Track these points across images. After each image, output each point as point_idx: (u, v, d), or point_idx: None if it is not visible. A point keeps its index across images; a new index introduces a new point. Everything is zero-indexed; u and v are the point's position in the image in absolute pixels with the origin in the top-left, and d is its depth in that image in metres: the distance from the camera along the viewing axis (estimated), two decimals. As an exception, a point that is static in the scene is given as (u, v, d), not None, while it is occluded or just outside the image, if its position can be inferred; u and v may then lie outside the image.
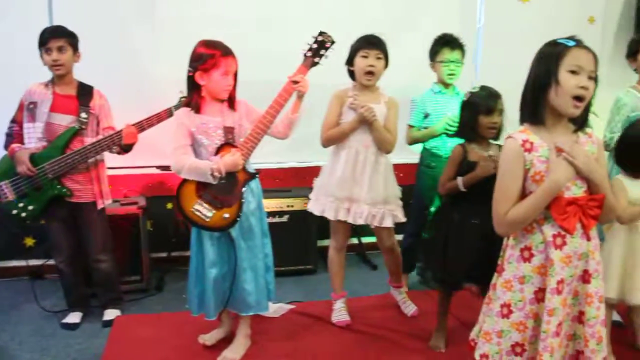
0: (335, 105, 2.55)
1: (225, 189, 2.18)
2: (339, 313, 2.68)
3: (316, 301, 3.01)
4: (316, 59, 2.26)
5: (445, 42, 2.92)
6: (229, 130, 2.21)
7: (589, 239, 1.62)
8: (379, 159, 2.56)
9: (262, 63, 3.11)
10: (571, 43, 1.57)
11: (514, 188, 1.60)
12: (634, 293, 2.22)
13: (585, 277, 1.63)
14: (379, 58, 2.50)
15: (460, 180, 2.24)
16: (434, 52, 2.98)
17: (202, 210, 2.17)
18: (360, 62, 2.50)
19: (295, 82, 2.22)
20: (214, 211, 2.17)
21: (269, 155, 3.66)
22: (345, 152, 2.53)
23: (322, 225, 3.56)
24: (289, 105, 2.31)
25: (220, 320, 2.49)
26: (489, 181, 2.21)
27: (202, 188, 2.18)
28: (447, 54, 2.91)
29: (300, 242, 3.53)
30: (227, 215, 2.17)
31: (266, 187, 3.59)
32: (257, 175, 2.28)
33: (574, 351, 1.68)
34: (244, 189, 2.21)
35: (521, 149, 1.59)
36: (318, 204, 2.60)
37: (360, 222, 2.54)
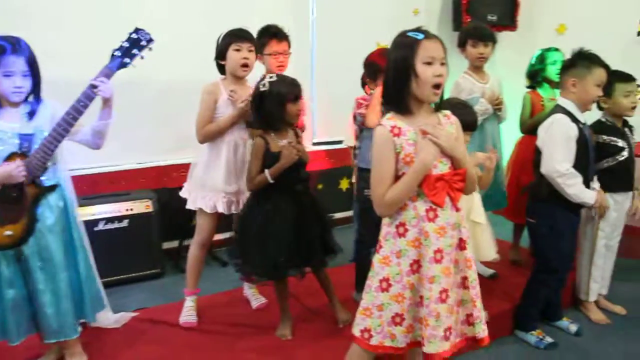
0: (208, 101, 2.49)
1: (9, 204, 1.97)
2: (187, 313, 2.61)
3: (162, 305, 2.90)
4: (126, 59, 2.06)
5: (273, 34, 2.93)
6: (25, 138, 1.98)
7: (457, 210, 1.75)
8: None
9: (68, 61, 2.92)
10: (420, 36, 1.66)
11: (389, 171, 1.69)
12: (480, 254, 2.47)
13: (461, 244, 1.76)
14: (250, 50, 2.49)
15: (267, 172, 2.26)
16: (261, 45, 2.97)
17: None
18: (234, 55, 2.46)
19: (94, 87, 2.00)
20: None
21: (104, 157, 3.47)
22: (225, 147, 2.50)
23: (164, 226, 3.48)
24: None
25: (48, 347, 2.27)
26: (296, 169, 2.33)
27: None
28: (275, 46, 2.93)
29: (144, 246, 3.37)
30: (9, 233, 1.96)
31: (102, 191, 3.45)
32: (55, 188, 2.06)
33: (465, 315, 1.80)
34: (35, 204, 2.00)
35: (390, 135, 1.67)
36: (207, 201, 2.53)
37: None
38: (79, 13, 3.27)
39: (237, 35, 2.49)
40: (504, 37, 5.03)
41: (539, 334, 2.66)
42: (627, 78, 2.72)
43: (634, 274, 3.48)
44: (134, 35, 2.07)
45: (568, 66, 2.56)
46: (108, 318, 2.57)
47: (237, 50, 2.47)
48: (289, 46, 3.00)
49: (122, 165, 3.57)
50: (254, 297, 2.82)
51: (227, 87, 2.49)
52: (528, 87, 3.36)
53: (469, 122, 2.27)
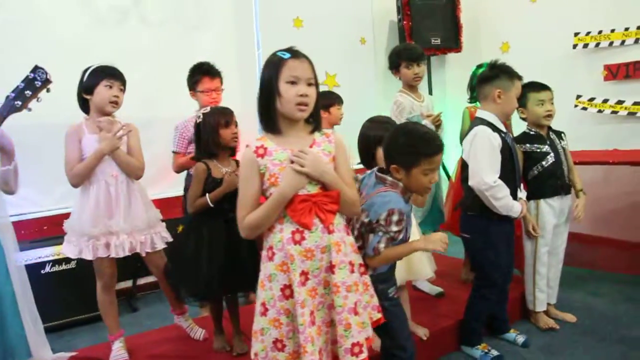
0: (72, 142, 2.42)
1: None
2: (117, 353, 2.55)
3: (98, 344, 2.86)
4: (17, 102, 1.95)
5: (205, 71, 2.98)
6: None
7: (330, 232, 1.70)
8: (131, 185, 2.49)
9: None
10: (287, 55, 1.67)
11: (251, 193, 1.69)
12: (414, 272, 2.49)
13: (331, 268, 1.70)
14: (121, 89, 2.48)
15: (208, 196, 2.33)
16: (194, 82, 3.02)
17: None
18: (104, 92, 2.42)
19: None
20: None
21: (52, 201, 3.49)
22: (94, 187, 2.42)
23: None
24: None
25: None
26: (234, 197, 2.33)
27: None
28: (207, 83, 2.98)
29: (93, 287, 3.30)
30: None
31: (52, 234, 3.45)
32: None
33: (335, 336, 1.75)
34: None
35: (254, 155, 1.68)
36: (72, 247, 2.44)
37: (124, 254, 2.44)
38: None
39: (110, 73, 2.45)
40: (451, 58, 5.19)
41: (484, 348, 2.63)
42: (538, 87, 2.77)
43: (584, 283, 3.49)
44: (30, 75, 1.98)
45: (491, 78, 2.57)
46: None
47: (109, 86, 2.43)
48: (222, 82, 3.05)
49: (70, 208, 3.54)
50: (192, 329, 2.77)
51: (91, 127, 2.43)
52: (469, 101, 3.44)
53: None
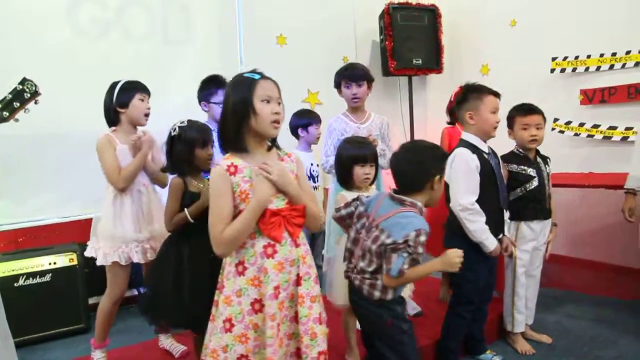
0: (110, 150, 2.48)
1: None
2: (99, 364, 2.53)
3: (77, 358, 2.81)
4: (4, 113, 1.98)
5: (221, 83, 2.97)
6: None
7: (297, 246, 1.78)
8: (157, 194, 2.61)
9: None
10: (257, 76, 1.75)
11: (226, 209, 1.71)
12: None
13: (298, 280, 1.77)
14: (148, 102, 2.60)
15: (187, 211, 2.22)
16: (208, 94, 3.02)
17: None
18: (139, 104, 2.55)
19: None
20: None
21: (28, 212, 3.44)
22: (127, 195, 2.50)
23: (91, 281, 3.39)
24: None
25: None
26: None
27: None
28: (222, 95, 2.95)
29: (68, 301, 3.28)
30: None
31: (26, 246, 3.39)
32: None
33: (295, 348, 1.80)
34: None
35: (227, 173, 1.72)
36: (118, 254, 2.46)
37: None
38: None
39: (142, 88, 2.58)
40: (432, 79, 5.27)
41: (461, 368, 2.64)
42: (525, 111, 2.80)
43: (560, 304, 3.53)
44: (19, 87, 2.00)
45: (461, 102, 2.63)
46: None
47: (141, 100, 2.56)
48: None
49: (46, 219, 3.51)
50: (173, 346, 2.75)
51: (121, 138, 2.52)
52: (448, 123, 3.48)
53: (364, 155, 2.38)
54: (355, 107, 2.97)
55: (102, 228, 2.51)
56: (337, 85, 2.98)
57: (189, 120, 2.32)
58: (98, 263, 2.51)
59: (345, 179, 2.42)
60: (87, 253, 2.56)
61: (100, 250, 2.49)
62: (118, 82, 2.56)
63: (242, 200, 1.72)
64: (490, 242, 2.49)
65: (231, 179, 1.72)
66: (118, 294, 2.56)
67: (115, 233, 2.48)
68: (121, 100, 2.53)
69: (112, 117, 2.56)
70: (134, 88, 2.55)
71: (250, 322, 1.71)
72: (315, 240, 3.42)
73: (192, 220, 2.21)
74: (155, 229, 2.54)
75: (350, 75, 2.91)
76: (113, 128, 2.56)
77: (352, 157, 2.38)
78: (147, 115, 2.58)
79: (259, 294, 1.70)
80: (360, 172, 2.38)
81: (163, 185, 2.61)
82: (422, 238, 1.91)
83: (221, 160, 1.75)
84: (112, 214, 2.49)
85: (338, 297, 2.40)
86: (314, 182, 3.43)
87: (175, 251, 2.22)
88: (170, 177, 2.32)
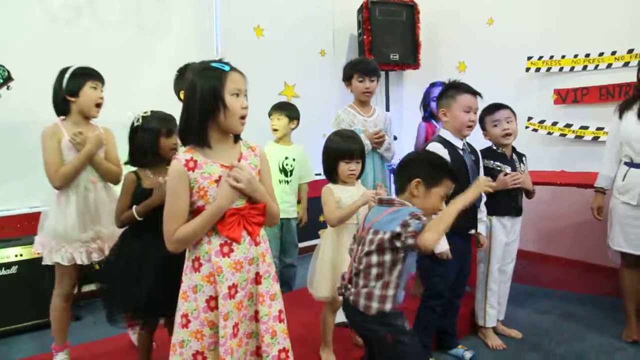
0: (53, 143, 2.35)
1: None
2: (61, 367, 2.45)
3: (37, 355, 2.74)
4: None
5: None
6: None
7: (257, 244, 1.73)
8: (108, 191, 2.47)
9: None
10: (227, 67, 1.65)
11: (180, 207, 1.64)
12: None
13: (257, 279, 1.73)
14: (102, 91, 2.44)
15: (135, 208, 2.16)
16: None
17: None
18: (91, 93, 2.39)
19: None
20: None
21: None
22: (74, 193, 2.37)
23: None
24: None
25: None
26: None
27: None
28: None
29: (35, 293, 3.20)
30: None
31: (-6, 237, 3.30)
32: None
33: (255, 347, 1.77)
34: None
35: (184, 169, 1.64)
36: (61, 254, 2.35)
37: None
38: None
39: (94, 75, 2.42)
40: (409, 74, 5.28)
41: (433, 363, 2.66)
42: (492, 109, 2.85)
43: (530, 299, 3.58)
44: None
45: (438, 98, 2.68)
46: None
47: (94, 88, 2.41)
48: None
49: (14, 210, 3.42)
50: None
51: (69, 129, 2.37)
52: (423, 118, 3.51)
53: (351, 151, 2.36)
54: (364, 101, 3.02)
55: (47, 225, 2.40)
56: (348, 78, 3.01)
57: (152, 111, 2.26)
58: (43, 262, 2.41)
59: (331, 172, 2.41)
60: (35, 249, 2.47)
61: (44, 247, 2.39)
62: (68, 67, 2.40)
63: (200, 197, 1.65)
64: (440, 244, 2.39)
65: (189, 175, 1.64)
66: (67, 291, 2.46)
67: (58, 231, 2.36)
68: (71, 88, 2.37)
69: (61, 106, 2.40)
70: (86, 75, 2.39)
71: (205, 319, 1.66)
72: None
73: (139, 219, 2.15)
74: (101, 229, 2.42)
75: (365, 70, 2.96)
76: (62, 117, 2.42)
77: (338, 152, 2.36)
78: (98, 105, 2.42)
79: (214, 291, 1.65)
80: (345, 168, 2.37)
81: (116, 182, 2.47)
82: (419, 216, 1.79)
83: (180, 154, 1.67)
84: (56, 210, 2.38)
85: (318, 290, 2.37)
86: (286, 176, 3.38)
87: (128, 249, 2.17)
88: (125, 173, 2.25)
